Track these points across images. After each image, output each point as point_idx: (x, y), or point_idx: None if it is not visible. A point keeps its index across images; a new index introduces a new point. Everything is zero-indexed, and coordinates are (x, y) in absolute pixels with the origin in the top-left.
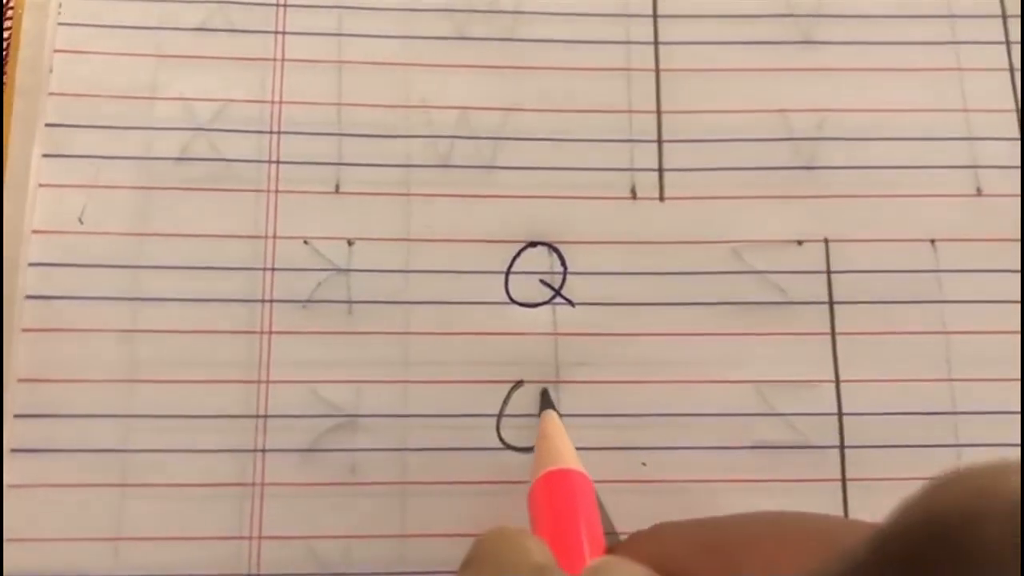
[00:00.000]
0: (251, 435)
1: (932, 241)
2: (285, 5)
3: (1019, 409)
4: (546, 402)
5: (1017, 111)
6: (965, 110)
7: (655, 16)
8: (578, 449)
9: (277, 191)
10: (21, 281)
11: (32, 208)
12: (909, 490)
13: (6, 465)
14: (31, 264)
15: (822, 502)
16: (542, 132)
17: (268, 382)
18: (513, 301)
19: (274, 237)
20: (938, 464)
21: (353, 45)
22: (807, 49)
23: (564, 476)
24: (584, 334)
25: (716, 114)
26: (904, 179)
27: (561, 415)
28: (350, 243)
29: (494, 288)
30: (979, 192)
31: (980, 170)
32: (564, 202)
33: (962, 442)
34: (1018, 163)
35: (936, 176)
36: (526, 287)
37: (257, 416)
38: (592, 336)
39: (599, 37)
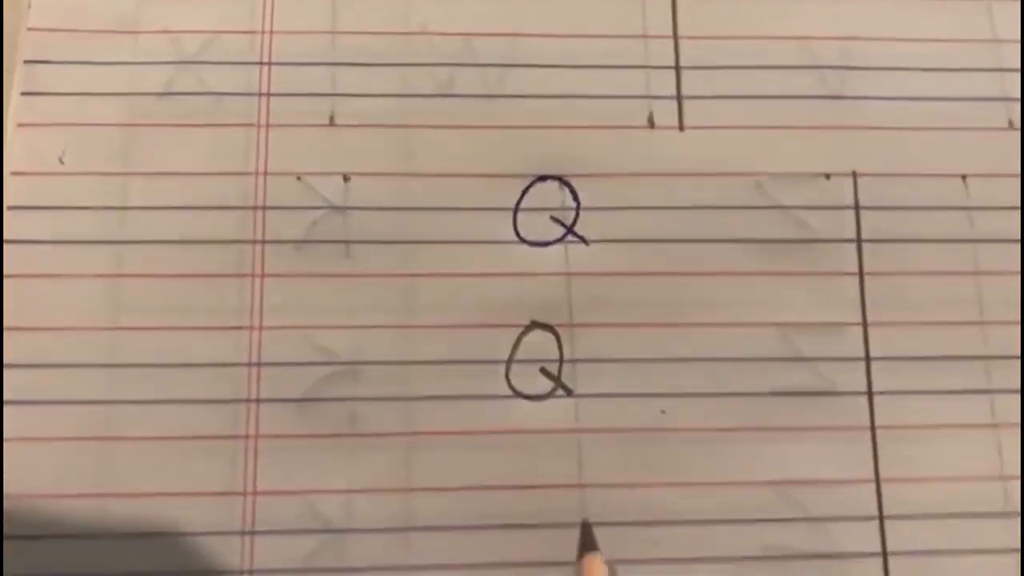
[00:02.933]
0: (243, 384)
1: (963, 176)
2: None
3: None
4: (588, 541)
5: None
6: (995, 40)
7: None
8: (594, 396)
9: (268, 125)
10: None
11: (10, 149)
12: (941, 441)
13: None
14: (10, 208)
15: (850, 451)
16: (551, 58)
17: (260, 328)
18: (522, 240)
19: (264, 174)
20: (971, 412)
21: None
22: None
23: None
24: (599, 274)
25: (736, 40)
26: (934, 111)
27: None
28: (346, 179)
29: (501, 226)
30: (1011, 125)
31: (1012, 103)
32: (576, 132)
33: (995, 387)
34: None
35: (967, 109)
36: (536, 224)
37: (249, 364)
38: (607, 276)
39: None
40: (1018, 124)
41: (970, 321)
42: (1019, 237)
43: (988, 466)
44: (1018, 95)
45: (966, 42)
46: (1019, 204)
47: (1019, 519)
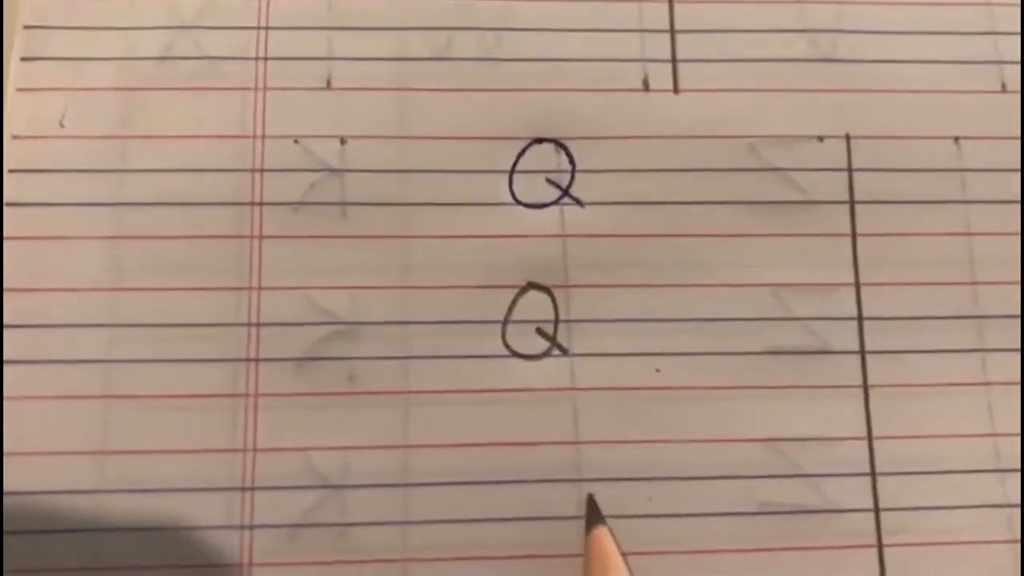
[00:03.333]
0: (243, 343)
1: (956, 139)
2: None
3: None
4: (595, 514)
5: None
6: (988, 3)
7: None
8: (589, 356)
9: (265, 88)
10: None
11: (11, 113)
12: (933, 399)
13: None
14: (10, 171)
15: (843, 409)
16: (547, 21)
17: (259, 288)
18: (518, 202)
19: (262, 137)
20: (963, 370)
21: None
22: None
23: None
24: (594, 235)
25: (731, 3)
26: (928, 74)
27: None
28: (343, 141)
29: (498, 188)
30: (1004, 88)
31: (1005, 66)
32: (571, 95)
33: (987, 347)
34: None
35: (960, 71)
36: (532, 186)
37: (248, 324)
38: (602, 237)
39: None
40: (1011, 87)
41: (962, 281)
42: (1010, 198)
43: (979, 424)
44: (1011, 58)
45: (959, 5)
46: (1011, 166)
47: (1013, 474)
